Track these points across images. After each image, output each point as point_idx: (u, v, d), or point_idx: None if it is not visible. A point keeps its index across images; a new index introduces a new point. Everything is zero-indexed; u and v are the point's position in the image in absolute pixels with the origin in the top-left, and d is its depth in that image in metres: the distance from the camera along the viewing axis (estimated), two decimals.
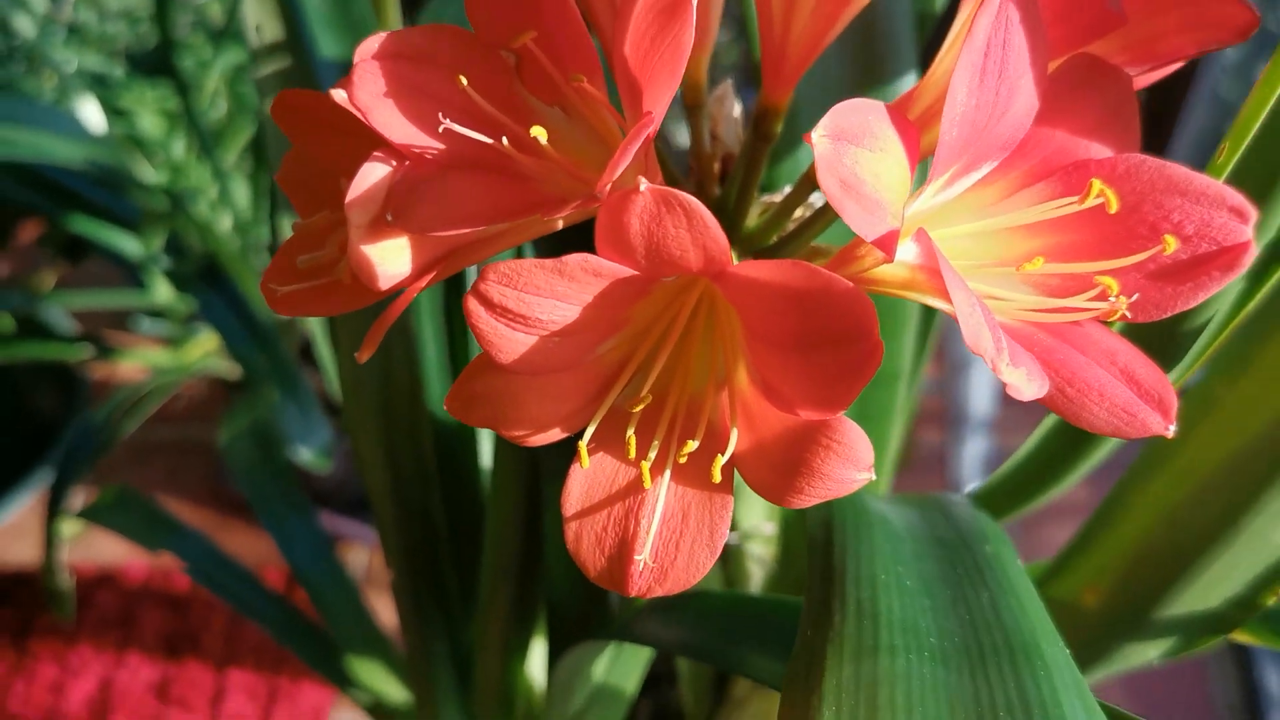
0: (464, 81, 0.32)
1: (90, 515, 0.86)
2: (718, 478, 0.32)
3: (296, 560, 0.75)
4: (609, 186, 0.29)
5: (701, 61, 0.43)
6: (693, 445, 0.32)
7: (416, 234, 0.31)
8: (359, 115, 0.32)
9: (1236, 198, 0.32)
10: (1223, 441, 0.41)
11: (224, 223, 1.36)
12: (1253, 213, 0.32)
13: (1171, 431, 0.31)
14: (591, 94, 0.34)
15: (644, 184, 0.28)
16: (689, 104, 0.43)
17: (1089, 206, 0.32)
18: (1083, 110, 0.34)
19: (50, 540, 1.29)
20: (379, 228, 0.32)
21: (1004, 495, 0.47)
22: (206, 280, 1.20)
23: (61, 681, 1.53)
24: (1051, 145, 0.34)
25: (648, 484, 0.32)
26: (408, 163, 0.32)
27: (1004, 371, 0.28)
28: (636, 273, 0.30)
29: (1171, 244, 0.31)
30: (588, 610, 0.59)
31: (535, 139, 0.32)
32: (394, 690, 0.73)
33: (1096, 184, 0.32)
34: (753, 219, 0.42)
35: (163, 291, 1.48)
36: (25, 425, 1.67)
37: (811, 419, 0.31)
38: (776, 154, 0.48)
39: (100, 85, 1.33)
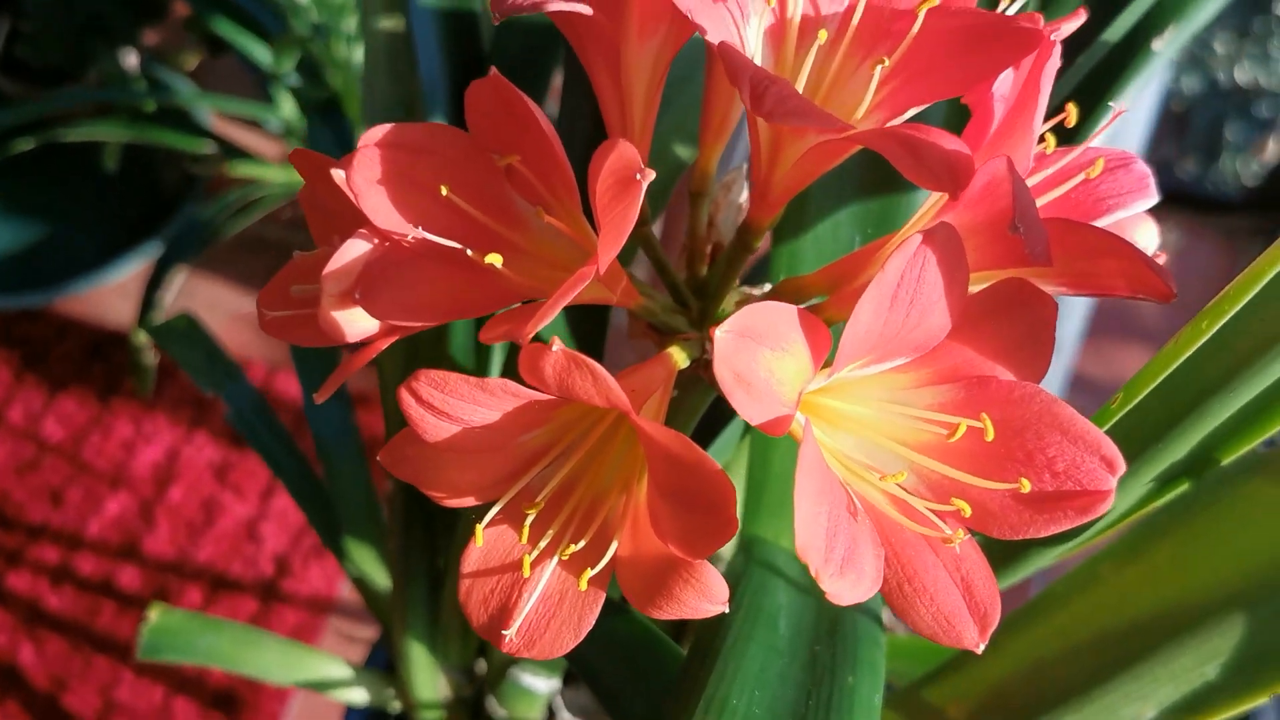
0: (444, 191, 0.36)
1: (158, 335, 0.93)
2: (583, 586, 0.36)
3: (319, 426, 0.81)
4: (535, 330, 0.33)
5: (712, 154, 0.46)
6: (575, 548, 0.37)
7: (376, 317, 0.36)
8: (351, 197, 0.36)
9: (1111, 450, 0.35)
10: (1098, 617, 0.44)
11: (356, 58, 1.40)
12: (1121, 467, 0.35)
13: (980, 649, 0.34)
14: (565, 208, 0.37)
15: (556, 345, 0.32)
16: (694, 191, 0.46)
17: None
18: (999, 330, 0.36)
19: (144, 314, 1.39)
20: (349, 299, 0.36)
21: None
22: (322, 112, 1.24)
23: (134, 443, 1.65)
24: (963, 356, 0.37)
25: (526, 573, 0.36)
26: (386, 245, 0.37)
27: (825, 581, 0.32)
28: (551, 396, 0.35)
29: (1026, 485, 0.35)
30: None
31: (511, 242, 0.37)
32: (379, 577, 0.80)
33: (985, 416, 0.35)
34: (730, 304, 0.46)
35: (287, 108, 1.54)
36: (149, 200, 1.77)
37: (678, 557, 0.35)
38: (780, 233, 0.51)
39: None
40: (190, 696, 1.46)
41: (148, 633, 0.74)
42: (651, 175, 0.33)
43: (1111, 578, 0.43)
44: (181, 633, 0.76)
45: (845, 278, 0.42)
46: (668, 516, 0.35)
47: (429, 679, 0.76)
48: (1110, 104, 0.40)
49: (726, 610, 0.36)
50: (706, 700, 0.40)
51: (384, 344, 0.38)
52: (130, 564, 1.53)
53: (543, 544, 0.37)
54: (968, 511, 0.35)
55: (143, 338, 1.45)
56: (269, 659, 0.78)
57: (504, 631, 0.37)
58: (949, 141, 0.35)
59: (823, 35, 0.37)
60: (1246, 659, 0.41)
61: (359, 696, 0.81)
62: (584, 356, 0.33)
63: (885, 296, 0.33)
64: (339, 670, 0.81)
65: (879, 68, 0.37)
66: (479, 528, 0.37)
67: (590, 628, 0.37)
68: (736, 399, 0.33)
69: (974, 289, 0.36)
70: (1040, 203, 0.39)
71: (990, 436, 0.35)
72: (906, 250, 0.33)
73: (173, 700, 1.46)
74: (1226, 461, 0.41)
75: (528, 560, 0.36)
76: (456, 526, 0.68)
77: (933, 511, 0.36)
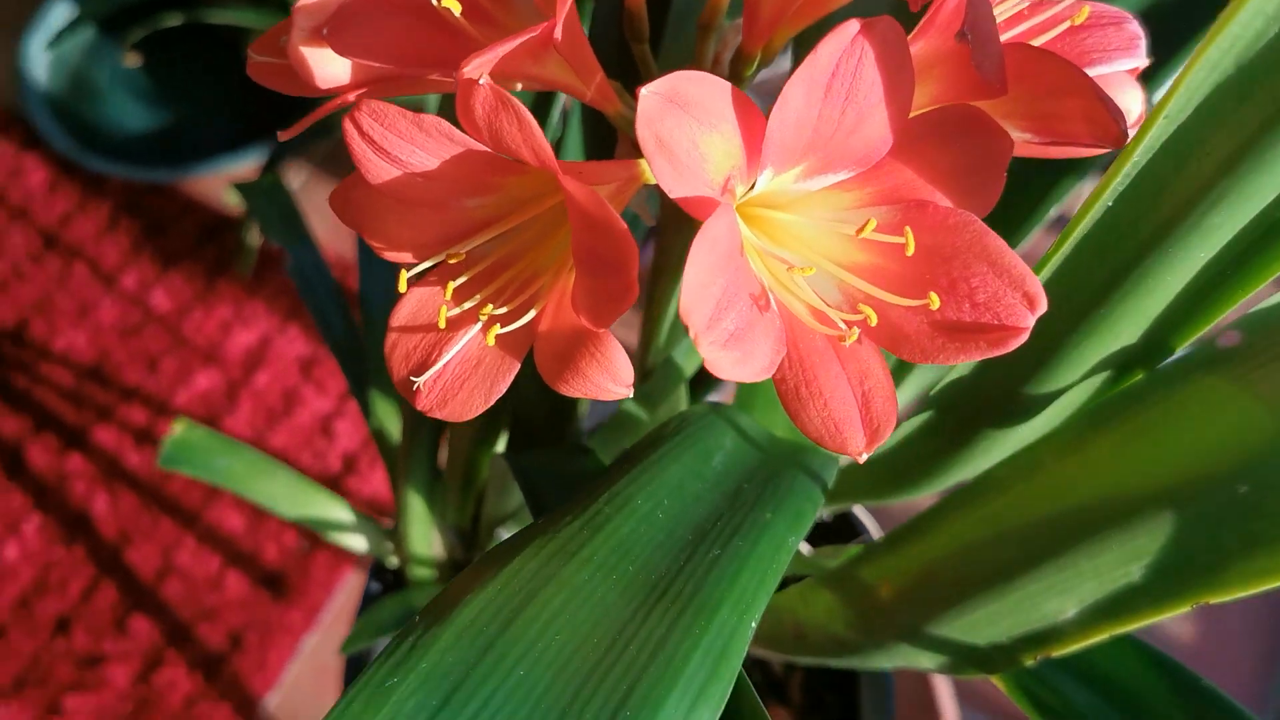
0: None
1: (245, 190, 0.97)
2: (490, 341, 0.37)
3: (368, 286, 0.82)
4: (473, 72, 0.34)
5: None
6: (497, 312, 0.38)
7: (340, 54, 0.37)
8: None
9: (1034, 287, 0.35)
10: (1032, 505, 0.43)
11: None
12: (1042, 305, 0.34)
13: (863, 458, 0.34)
14: None
15: (484, 79, 0.33)
16: (702, 22, 0.46)
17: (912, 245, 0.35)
18: (944, 155, 0.36)
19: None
20: (319, 37, 0.37)
21: (867, 479, 0.51)
22: None
23: (231, 325, 1.71)
24: (904, 177, 0.36)
25: (441, 324, 0.37)
26: None
27: (703, 346, 0.32)
28: (486, 147, 0.35)
29: (935, 302, 0.34)
30: (545, 424, 0.65)
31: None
32: (395, 431, 0.82)
33: (908, 230, 0.35)
34: None
35: None
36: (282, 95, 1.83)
37: (587, 328, 0.36)
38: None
39: None
40: (243, 571, 1.50)
41: (170, 443, 0.77)
42: None
43: (1051, 465, 0.42)
44: (201, 449, 0.78)
45: None
46: (579, 283, 0.35)
47: (424, 534, 0.77)
48: None
49: (629, 395, 0.36)
50: (611, 494, 0.40)
51: (352, 94, 0.39)
52: None
53: (467, 306, 0.38)
54: (874, 320, 0.35)
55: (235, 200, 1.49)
56: (278, 490, 0.80)
57: (418, 385, 0.38)
58: None
59: None
60: (1170, 563, 0.40)
61: (359, 544, 0.83)
62: (516, 101, 0.33)
63: (818, 83, 0.33)
64: (342, 514, 0.83)
65: None
66: (404, 274, 0.37)
67: (500, 395, 0.38)
68: (657, 166, 0.33)
69: None
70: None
71: (910, 250, 0.35)
72: (842, 36, 0.32)
73: (227, 571, 1.51)
74: (1181, 349, 0.40)
75: (444, 312, 0.37)
76: None
77: (845, 323, 0.36)
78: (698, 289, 0.32)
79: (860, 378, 0.36)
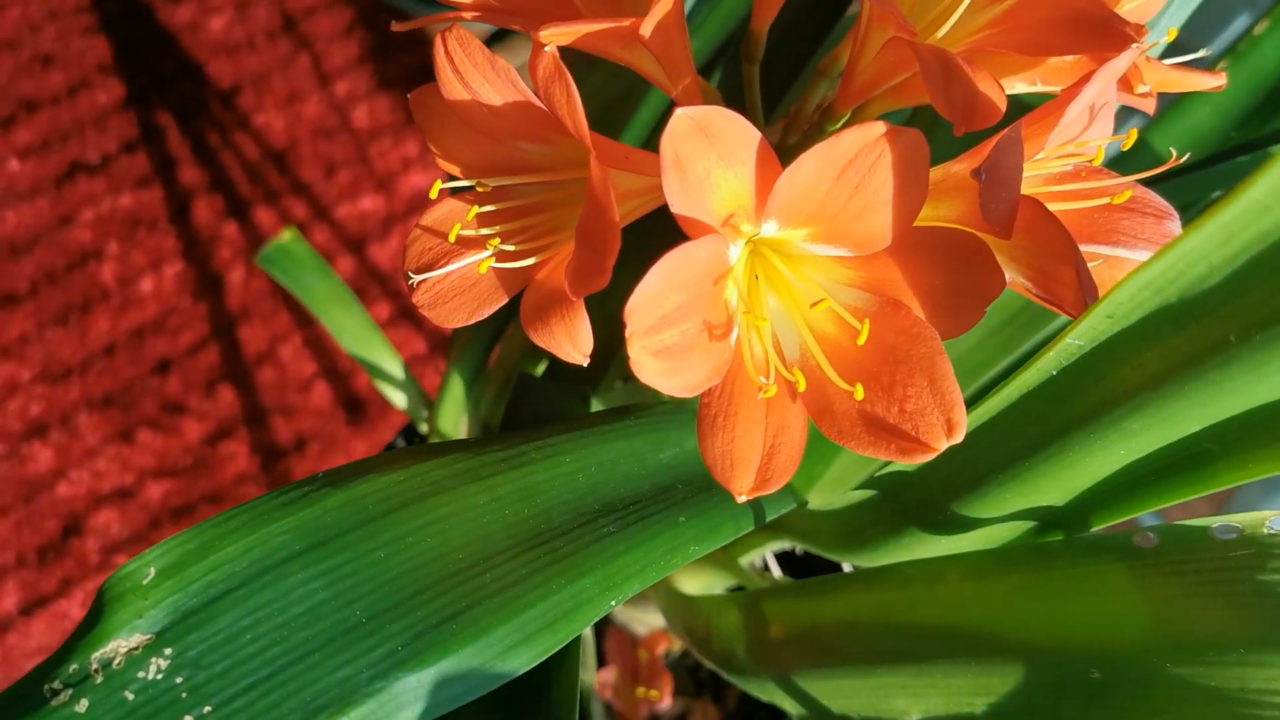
0: None
1: None
2: (483, 270, 0.41)
3: None
4: (547, 39, 0.37)
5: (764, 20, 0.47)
6: (499, 244, 0.41)
7: None
8: None
9: (958, 416, 0.37)
10: (921, 609, 0.45)
11: None
12: (958, 435, 0.37)
13: (740, 499, 0.37)
14: None
15: (550, 47, 0.36)
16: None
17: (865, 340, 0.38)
18: (935, 272, 0.38)
19: None
20: None
21: None
22: None
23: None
24: (893, 275, 0.38)
25: (451, 239, 0.41)
26: None
27: (633, 346, 0.35)
28: (542, 105, 0.39)
29: (860, 394, 0.37)
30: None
31: None
32: None
33: (865, 328, 0.37)
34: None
35: None
36: None
37: (566, 292, 0.39)
38: None
39: None
40: (332, 386, 1.59)
41: (273, 246, 0.83)
42: None
43: (952, 582, 0.44)
44: (297, 261, 0.84)
45: None
46: (573, 251, 0.39)
47: (454, 415, 0.82)
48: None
49: (584, 363, 0.40)
50: (547, 443, 0.44)
51: (468, 14, 0.43)
52: (351, 255, 1.67)
53: (484, 232, 0.42)
54: (802, 385, 0.37)
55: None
56: (348, 324, 0.86)
57: (419, 281, 0.42)
58: (987, 86, 0.36)
59: None
60: (1010, 710, 0.42)
61: (399, 399, 0.88)
62: (568, 75, 0.36)
63: (833, 164, 0.35)
64: (394, 367, 0.89)
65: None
66: (439, 184, 0.41)
67: (481, 318, 0.42)
68: (668, 180, 0.36)
69: None
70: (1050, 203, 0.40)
71: (861, 340, 0.37)
72: (867, 133, 0.35)
73: (317, 380, 1.59)
74: (1098, 529, 0.42)
75: (456, 228, 0.41)
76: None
77: (780, 379, 0.38)
78: (649, 296, 0.35)
79: (777, 430, 0.38)
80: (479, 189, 0.41)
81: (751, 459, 0.38)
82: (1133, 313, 0.32)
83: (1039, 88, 0.41)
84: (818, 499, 0.52)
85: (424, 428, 0.90)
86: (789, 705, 0.50)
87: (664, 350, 0.36)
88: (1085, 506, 0.41)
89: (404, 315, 1.63)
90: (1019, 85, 0.42)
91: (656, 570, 0.43)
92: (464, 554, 0.39)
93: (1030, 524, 0.44)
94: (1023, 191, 0.40)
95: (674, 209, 0.36)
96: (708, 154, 0.36)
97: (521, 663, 0.38)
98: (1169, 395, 0.33)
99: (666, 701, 0.85)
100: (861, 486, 0.46)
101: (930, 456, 0.37)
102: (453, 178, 0.43)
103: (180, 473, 1.55)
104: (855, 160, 0.35)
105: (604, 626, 0.89)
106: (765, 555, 0.76)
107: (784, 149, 0.49)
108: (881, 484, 0.46)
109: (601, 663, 0.89)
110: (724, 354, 0.38)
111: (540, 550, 0.40)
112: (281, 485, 1.26)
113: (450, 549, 0.39)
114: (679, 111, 0.35)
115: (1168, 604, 0.39)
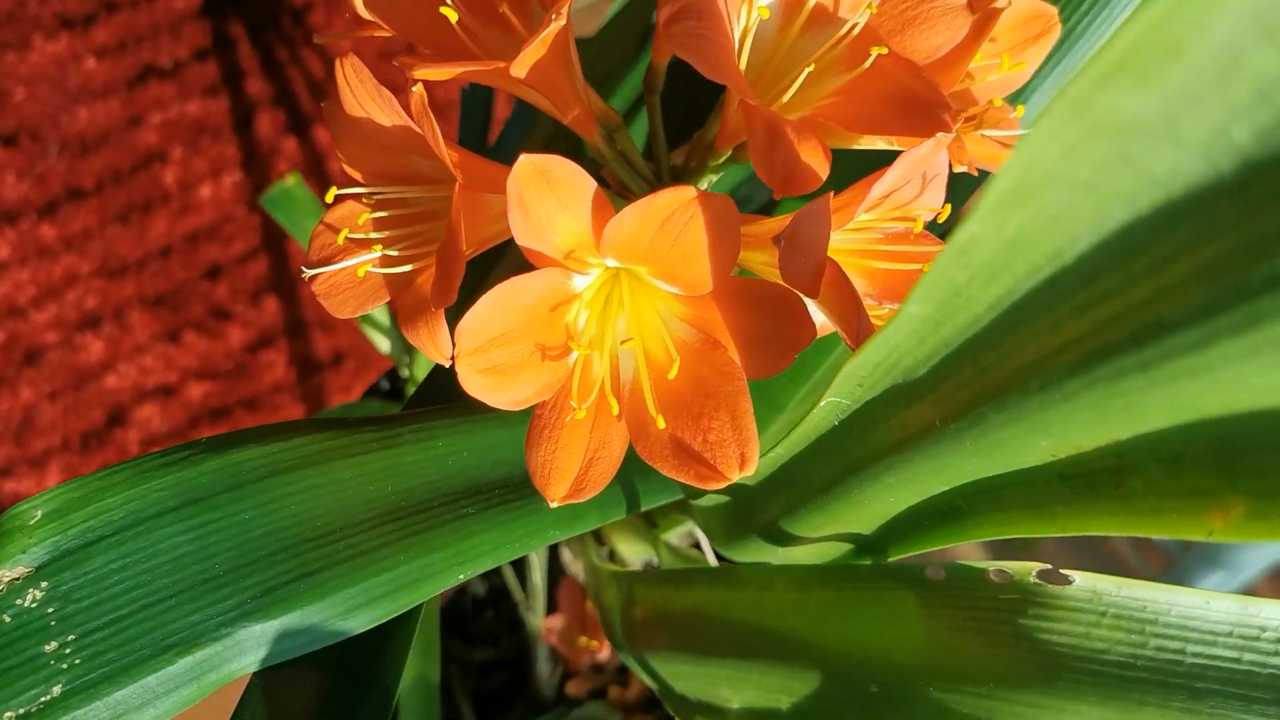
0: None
1: None
2: (360, 274, 0.46)
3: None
4: (418, 76, 0.42)
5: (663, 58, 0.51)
6: (386, 252, 0.46)
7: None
8: None
9: (750, 453, 0.41)
10: (751, 608, 0.50)
11: None
12: (748, 470, 0.41)
13: (552, 505, 0.42)
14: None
15: (418, 87, 0.41)
16: (647, 86, 0.52)
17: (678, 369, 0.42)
18: (750, 318, 0.42)
19: None
20: None
21: None
22: None
23: None
24: (714, 317, 0.43)
25: (340, 242, 0.46)
26: None
27: (460, 362, 0.40)
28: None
29: (661, 423, 0.41)
30: None
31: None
32: None
33: (677, 363, 0.41)
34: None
35: None
36: None
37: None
38: None
39: None
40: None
41: (277, 189, 0.89)
42: None
43: (780, 589, 0.49)
44: (299, 205, 0.90)
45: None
46: (435, 269, 0.43)
47: (428, 364, 0.88)
48: None
49: (445, 364, 0.45)
50: (424, 425, 0.49)
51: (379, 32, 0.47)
52: None
53: (373, 235, 0.47)
54: (615, 410, 0.42)
55: None
56: None
57: (313, 276, 0.47)
58: (811, 155, 0.40)
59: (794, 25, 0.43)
60: (808, 710, 0.46)
61: (383, 344, 0.94)
62: (430, 115, 0.41)
63: (651, 218, 0.40)
64: (381, 314, 0.94)
65: (807, 71, 0.42)
66: (335, 190, 0.46)
67: (366, 311, 0.47)
68: (513, 217, 0.40)
69: None
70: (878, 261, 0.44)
71: (672, 375, 0.42)
72: (680, 196, 0.39)
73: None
74: (895, 558, 0.46)
75: (345, 233, 0.46)
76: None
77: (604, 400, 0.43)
78: (479, 321, 0.40)
79: (598, 446, 0.43)
80: (364, 201, 0.46)
81: (569, 470, 0.42)
82: (875, 385, 0.36)
83: (896, 146, 0.44)
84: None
85: (405, 373, 0.95)
86: (648, 680, 0.55)
87: (491, 368, 0.41)
88: (884, 538, 0.45)
89: None
90: (879, 143, 0.45)
91: (511, 550, 0.48)
92: (323, 522, 0.44)
93: (847, 547, 0.48)
94: (862, 246, 0.44)
95: (519, 243, 0.41)
96: (547, 197, 0.40)
97: (361, 623, 0.44)
98: (909, 460, 0.37)
99: (605, 654, 0.91)
100: (720, 492, 0.51)
101: (724, 484, 0.41)
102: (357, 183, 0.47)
103: (221, 376, 1.63)
104: (672, 217, 0.39)
105: (558, 574, 0.95)
106: (695, 533, 0.81)
107: (685, 170, 0.53)
108: (732, 491, 0.50)
109: (552, 609, 0.95)
110: (556, 373, 0.43)
111: (397, 524, 0.46)
112: (316, 399, 1.33)
113: (311, 517, 0.44)
114: (522, 158, 0.39)
115: (940, 634, 0.43)
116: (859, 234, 0.44)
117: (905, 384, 0.34)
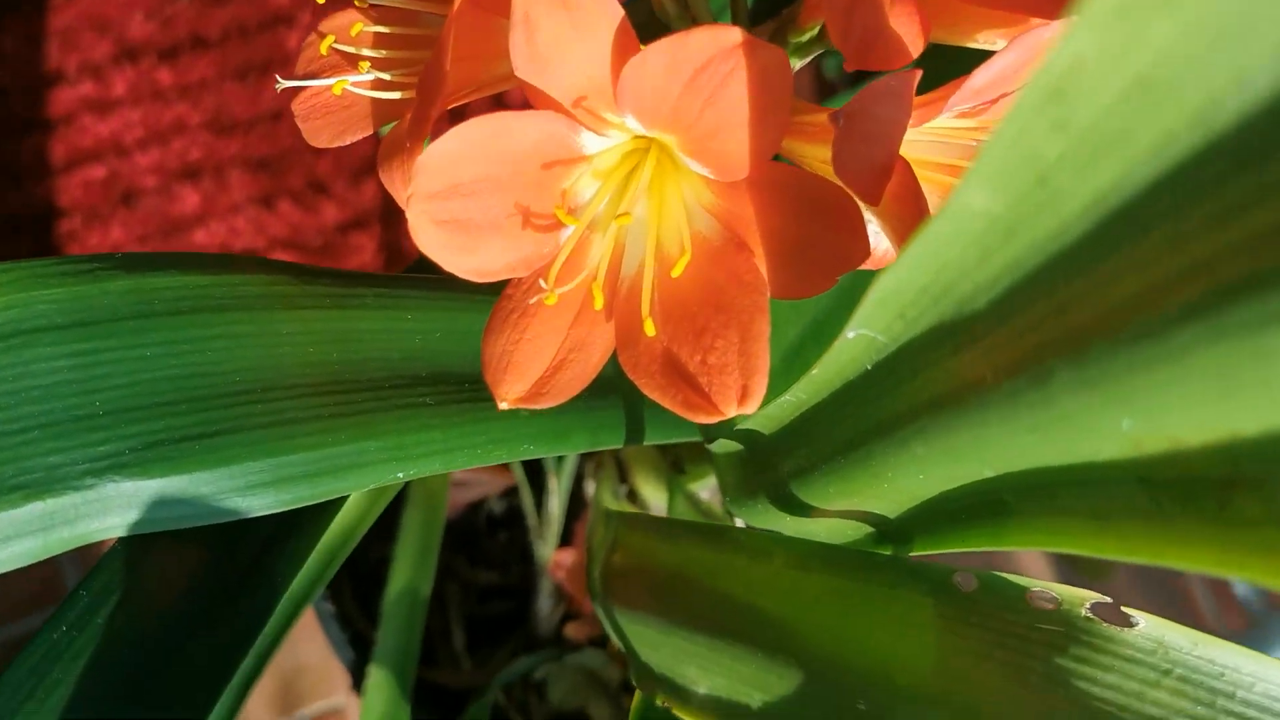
0: None
1: None
2: (337, 91, 0.38)
3: None
4: None
5: None
6: (368, 67, 0.38)
7: None
8: None
9: (756, 385, 0.33)
10: (737, 580, 0.41)
11: None
12: (750, 407, 0.32)
13: (501, 406, 0.34)
14: None
15: None
16: None
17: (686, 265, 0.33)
18: (790, 221, 0.33)
19: None
20: None
21: None
22: None
23: None
24: (745, 213, 0.34)
25: (323, 51, 0.38)
26: None
27: (412, 209, 0.32)
28: None
29: (651, 329, 0.33)
30: None
31: None
32: None
33: (685, 258, 0.33)
34: None
35: None
36: None
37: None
38: None
39: None
40: None
41: None
42: None
43: (777, 563, 0.40)
44: None
45: None
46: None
47: None
48: None
49: None
50: (390, 291, 0.41)
51: None
52: None
53: (365, 52, 0.39)
54: (598, 304, 0.34)
55: None
56: None
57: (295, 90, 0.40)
58: (902, 21, 0.31)
59: None
60: (781, 713, 0.38)
61: None
62: None
63: (681, 68, 0.31)
64: None
65: None
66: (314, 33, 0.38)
67: (347, 142, 0.39)
68: (515, 37, 0.32)
69: None
70: None
71: (676, 273, 0.33)
72: (720, 38, 0.30)
73: None
74: (919, 553, 0.37)
75: (330, 39, 0.38)
76: None
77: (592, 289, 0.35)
78: (443, 158, 0.32)
79: (574, 346, 0.35)
80: (366, 9, 0.38)
81: (531, 368, 0.34)
82: (919, 318, 0.26)
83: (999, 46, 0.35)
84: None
85: None
86: (614, 638, 0.47)
87: (453, 222, 0.32)
88: (911, 525, 0.36)
89: None
90: (985, 39, 0.36)
91: (468, 456, 0.40)
92: (242, 378, 0.37)
93: (867, 530, 0.39)
94: (944, 159, 0.35)
95: (519, 74, 0.32)
96: (560, 19, 0.32)
97: (263, 504, 0.36)
98: (946, 427, 0.28)
99: None
100: (729, 438, 0.42)
101: (714, 419, 0.33)
102: None
103: (309, 250, 1.58)
104: (707, 67, 0.31)
105: (579, 507, 0.87)
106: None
107: None
108: (745, 439, 0.42)
109: (565, 542, 0.87)
110: (539, 248, 0.34)
111: (335, 399, 0.38)
112: None
113: (229, 369, 0.37)
114: None
115: (956, 656, 0.34)
116: (942, 143, 0.35)
117: (956, 320, 0.25)
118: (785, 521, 0.42)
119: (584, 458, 0.85)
